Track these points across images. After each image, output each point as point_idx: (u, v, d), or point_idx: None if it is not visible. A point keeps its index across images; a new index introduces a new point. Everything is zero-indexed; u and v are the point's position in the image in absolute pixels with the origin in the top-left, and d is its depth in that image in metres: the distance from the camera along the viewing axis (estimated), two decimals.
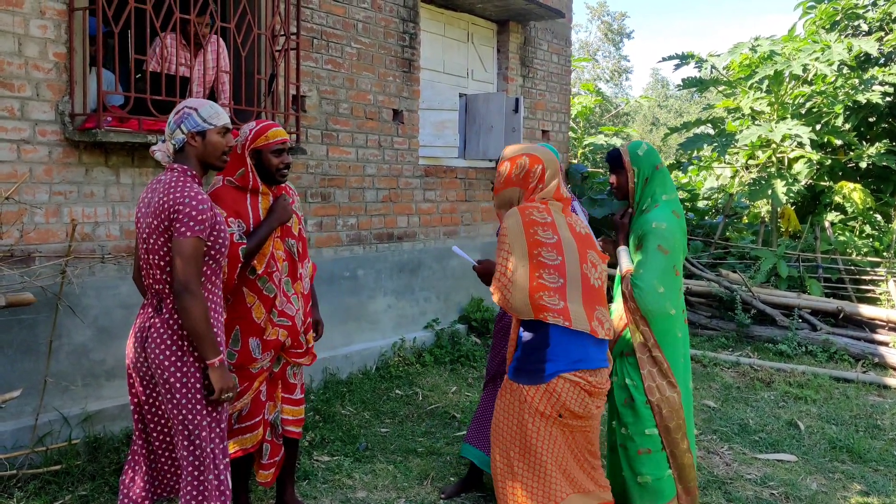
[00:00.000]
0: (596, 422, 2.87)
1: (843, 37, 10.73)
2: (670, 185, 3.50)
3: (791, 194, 9.62)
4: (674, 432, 3.31)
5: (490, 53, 8.03)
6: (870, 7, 11.48)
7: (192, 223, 2.59)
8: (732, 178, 12.02)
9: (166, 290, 2.70)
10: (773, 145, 10.37)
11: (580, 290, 2.71)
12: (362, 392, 5.63)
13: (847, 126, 11.17)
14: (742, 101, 10.64)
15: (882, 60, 11.02)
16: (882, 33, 11.18)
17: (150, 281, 2.75)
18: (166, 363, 2.67)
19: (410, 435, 4.96)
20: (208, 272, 2.75)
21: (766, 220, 10.60)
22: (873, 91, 9.81)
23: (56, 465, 3.94)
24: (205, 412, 2.72)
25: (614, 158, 3.53)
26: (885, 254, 9.46)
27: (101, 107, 4.19)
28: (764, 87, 10.34)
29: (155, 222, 2.64)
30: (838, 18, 11.42)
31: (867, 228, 10.68)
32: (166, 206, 2.61)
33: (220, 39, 5.01)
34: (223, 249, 2.77)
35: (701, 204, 12.86)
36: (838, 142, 10.87)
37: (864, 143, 11.21)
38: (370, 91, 6.27)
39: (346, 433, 4.85)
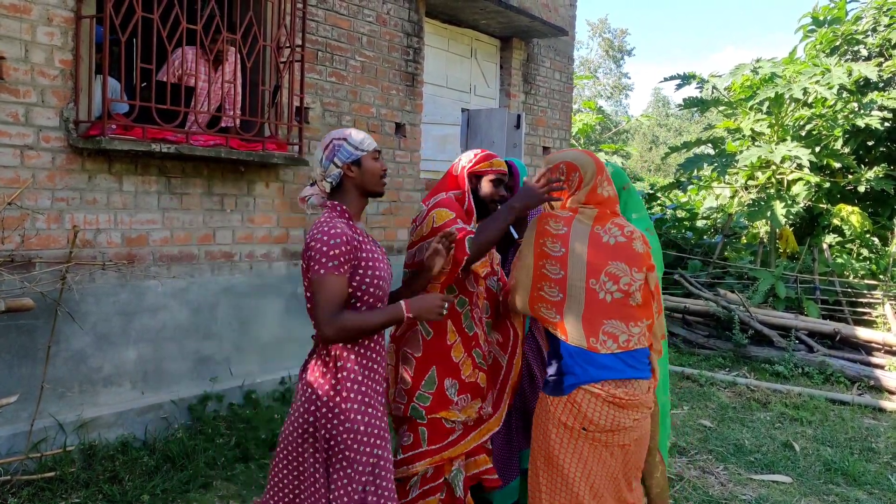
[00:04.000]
0: (636, 435, 2.71)
1: (843, 61, 10.81)
2: (639, 204, 3.51)
3: (790, 216, 9.68)
4: None
5: (493, 69, 8.07)
6: (869, 33, 11.58)
7: (322, 259, 2.38)
8: (732, 198, 12.07)
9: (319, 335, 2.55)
10: (773, 166, 10.42)
11: (581, 305, 2.67)
12: None
13: (846, 149, 11.25)
14: (742, 122, 10.71)
15: (881, 85, 11.09)
16: (881, 59, 11.27)
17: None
18: (318, 403, 2.48)
19: None
20: (363, 308, 2.52)
21: (765, 240, 10.64)
22: (872, 115, 9.88)
23: (50, 471, 3.92)
24: (354, 464, 2.46)
25: None
26: (881, 277, 9.50)
27: (105, 114, 4.21)
28: (764, 108, 10.42)
29: (303, 263, 2.50)
30: (838, 43, 11.51)
31: (864, 251, 10.73)
32: (306, 244, 2.46)
33: (236, 51, 5.04)
34: (374, 291, 2.51)
35: (700, 223, 12.90)
36: (837, 165, 10.94)
37: (863, 166, 11.28)
38: (373, 104, 6.30)
39: None
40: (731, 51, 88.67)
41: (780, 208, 9.45)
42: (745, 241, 12.00)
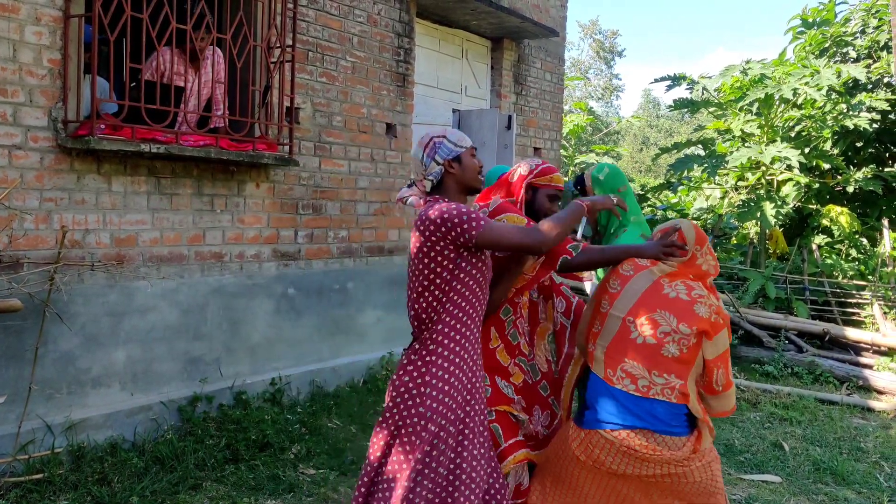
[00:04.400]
0: (668, 483, 2.64)
1: (832, 63, 10.87)
2: (635, 208, 3.51)
3: (779, 216, 9.71)
4: None
5: (484, 70, 8.07)
6: (858, 34, 11.65)
7: (472, 216, 2.47)
8: (722, 198, 12.12)
9: (420, 327, 2.61)
10: (763, 167, 10.46)
11: (611, 336, 2.67)
12: (349, 405, 5.61)
13: (835, 150, 11.32)
14: (732, 123, 10.75)
15: (870, 87, 11.16)
16: (870, 60, 11.34)
17: (409, 313, 2.65)
18: (398, 401, 2.56)
19: None
20: (467, 294, 2.58)
21: (755, 241, 10.68)
22: (861, 116, 9.93)
23: (38, 473, 3.90)
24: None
25: (579, 184, 3.56)
26: (870, 277, 9.54)
27: (94, 114, 4.19)
28: (754, 109, 10.47)
29: (424, 248, 2.53)
30: (827, 45, 11.58)
31: (853, 252, 10.78)
32: (431, 226, 2.50)
33: (218, 50, 5.02)
34: (478, 276, 2.60)
35: None
36: (826, 166, 10.99)
37: (852, 167, 11.34)
38: (364, 104, 6.29)
39: (332, 446, 4.83)
40: (722, 52, 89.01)
41: (769, 209, 9.48)
42: (735, 241, 12.04)
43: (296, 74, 5.38)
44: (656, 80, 10.77)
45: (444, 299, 2.55)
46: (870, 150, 11.70)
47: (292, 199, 5.67)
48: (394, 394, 2.58)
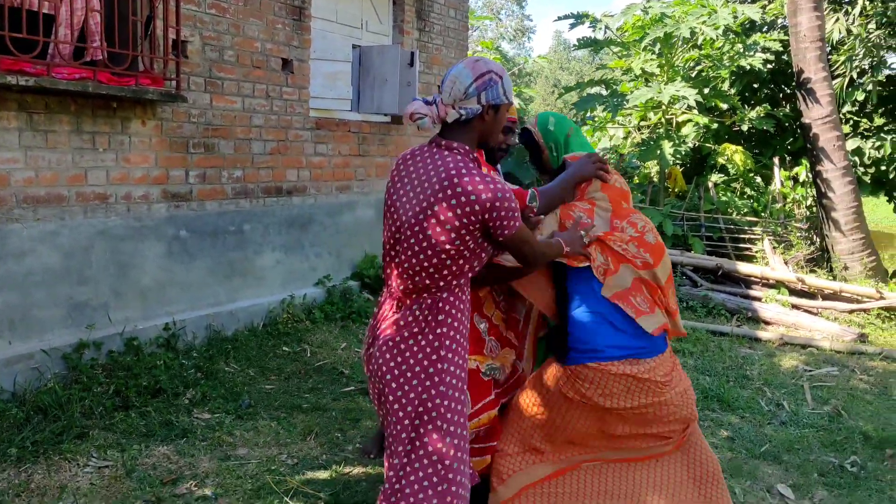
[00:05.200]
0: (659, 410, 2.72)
1: (728, 3, 11.08)
2: (587, 147, 3.47)
3: (679, 156, 9.94)
4: None
5: (385, 5, 7.85)
6: None
7: (516, 214, 2.28)
8: (625, 138, 12.32)
9: (430, 286, 2.35)
10: (664, 107, 10.65)
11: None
12: (248, 349, 5.50)
13: (732, 90, 11.61)
14: (634, 63, 10.86)
15: (765, 28, 11.45)
16: (765, 2, 11.60)
17: (398, 271, 2.39)
18: (405, 367, 2.35)
19: (296, 391, 4.89)
20: (477, 266, 2.43)
21: (655, 180, 10.94)
22: (755, 57, 10.20)
23: None
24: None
25: (527, 139, 3.47)
26: (762, 214, 9.94)
27: None
28: (656, 49, 10.59)
29: (457, 222, 2.26)
30: None
31: (748, 190, 11.20)
32: (477, 206, 2.22)
33: None
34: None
35: None
36: (724, 106, 11.28)
37: (748, 107, 11.69)
38: (258, 39, 6.02)
39: (228, 390, 4.73)
40: None
41: (668, 148, 9.69)
42: (637, 181, 12.32)
43: (181, 5, 5.08)
44: (560, 18, 10.74)
45: (464, 266, 2.36)
46: (765, 91, 12.08)
47: (182, 138, 5.42)
48: (408, 352, 2.38)
